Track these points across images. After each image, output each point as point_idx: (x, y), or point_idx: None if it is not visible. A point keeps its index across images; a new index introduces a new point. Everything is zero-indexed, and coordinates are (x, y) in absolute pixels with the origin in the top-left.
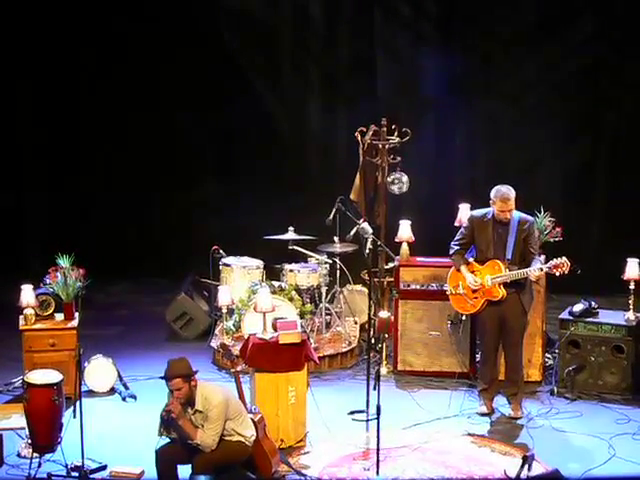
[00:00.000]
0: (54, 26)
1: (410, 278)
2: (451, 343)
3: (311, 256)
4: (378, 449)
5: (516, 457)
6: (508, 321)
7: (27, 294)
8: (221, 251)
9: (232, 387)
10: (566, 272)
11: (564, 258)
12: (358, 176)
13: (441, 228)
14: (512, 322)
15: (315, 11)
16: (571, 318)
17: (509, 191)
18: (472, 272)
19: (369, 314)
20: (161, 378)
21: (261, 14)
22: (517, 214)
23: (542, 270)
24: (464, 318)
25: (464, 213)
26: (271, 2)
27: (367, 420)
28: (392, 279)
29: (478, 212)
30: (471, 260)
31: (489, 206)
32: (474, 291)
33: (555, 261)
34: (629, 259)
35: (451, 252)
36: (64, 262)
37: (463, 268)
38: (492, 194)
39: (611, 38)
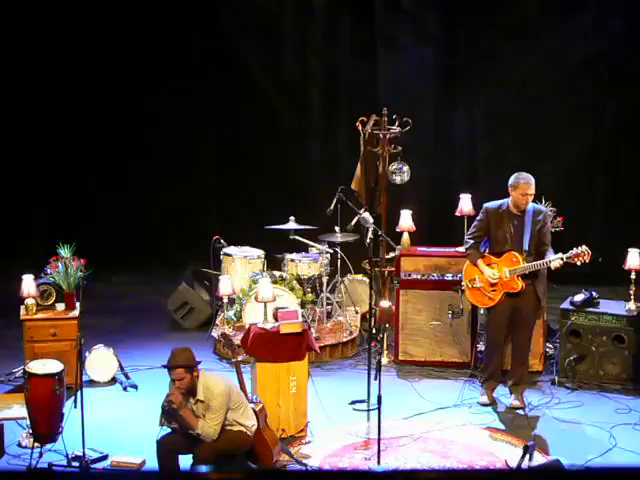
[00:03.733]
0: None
1: (411, 268)
2: (452, 333)
3: (312, 246)
4: (379, 439)
5: (517, 447)
6: (522, 312)
7: (28, 284)
8: (222, 241)
9: (233, 377)
10: (587, 261)
11: (585, 247)
12: (359, 166)
13: (442, 218)
14: (526, 313)
15: (316, 0)
16: (572, 308)
17: (530, 176)
18: (489, 265)
19: (370, 304)
20: (164, 367)
21: (261, 4)
22: (531, 205)
23: (563, 260)
24: (462, 307)
25: (465, 203)
26: None
27: (368, 410)
28: (393, 269)
29: (493, 204)
30: (486, 253)
31: (491, 196)
32: (492, 284)
33: (576, 250)
34: (630, 249)
35: (466, 246)
36: (65, 252)
37: (480, 262)
38: (512, 181)
39: (611, 29)
